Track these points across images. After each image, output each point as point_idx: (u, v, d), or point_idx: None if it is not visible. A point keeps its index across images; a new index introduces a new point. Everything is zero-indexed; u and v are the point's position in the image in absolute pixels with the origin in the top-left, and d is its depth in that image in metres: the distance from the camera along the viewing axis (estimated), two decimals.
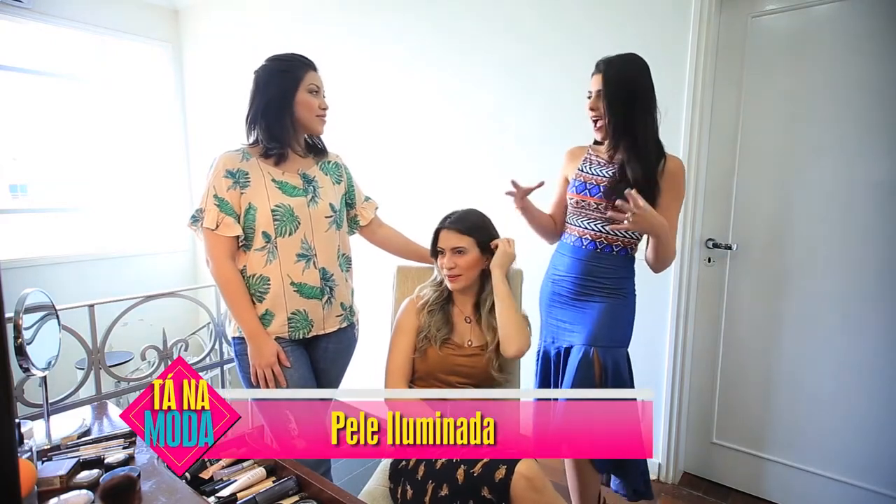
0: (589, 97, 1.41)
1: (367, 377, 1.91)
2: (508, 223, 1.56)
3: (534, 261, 1.72)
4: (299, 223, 1.34)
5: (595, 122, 1.42)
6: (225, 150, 1.35)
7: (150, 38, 3.88)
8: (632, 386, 1.46)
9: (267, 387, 1.32)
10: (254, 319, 1.32)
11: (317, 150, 1.46)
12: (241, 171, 1.32)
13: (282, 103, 1.32)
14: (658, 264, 1.42)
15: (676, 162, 1.41)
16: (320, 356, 1.44)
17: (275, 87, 1.32)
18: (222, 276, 1.31)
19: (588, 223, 1.46)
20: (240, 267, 1.34)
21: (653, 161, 1.38)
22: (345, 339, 1.49)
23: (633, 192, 1.25)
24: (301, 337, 1.38)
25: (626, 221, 1.27)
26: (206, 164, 1.36)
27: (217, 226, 1.29)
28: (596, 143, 1.53)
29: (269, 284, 1.33)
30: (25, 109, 3.49)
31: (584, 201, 1.45)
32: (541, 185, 1.48)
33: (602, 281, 1.43)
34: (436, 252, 1.41)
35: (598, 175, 1.44)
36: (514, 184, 1.49)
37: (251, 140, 1.38)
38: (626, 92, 1.36)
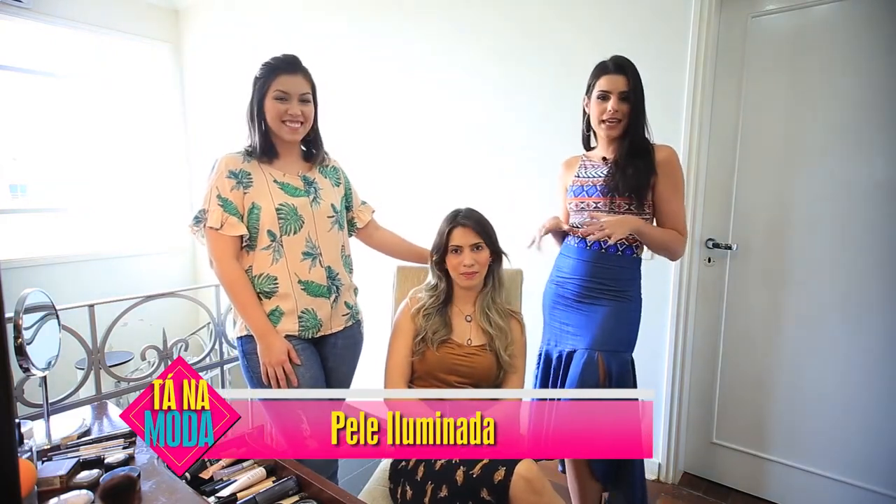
0: (605, 98, 1.39)
1: (367, 377, 1.91)
2: (507, 224, 1.57)
3: (534, 261, 1.72)
4: (303, 222, 1.35)
5: (611, 122, 1.39)
6: (226, 152, 1.35)
7: (150, 38, 3.88)
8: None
9: (278, 385, 1.31)
10: (262, 317, 1.31)
11: (315, 157, 1.44)
12: (244, 171, 1.32)
13: (254, 110, 1.34)
14: (664, 255, 1.45)
15: (666, 150, 1.42)
16: (329, 352, 1.44)
17: (253, 93, 1.34)
18: (227, 276, 1.30)
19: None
20: (245, 267, 1.34)
21: (649, 154, 1.40)
22: (352, 337, 1.49)
23: (592, 213, 1.40)
24: (311, 336, 1.38)
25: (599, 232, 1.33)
26: (207, 165, 1.37)
27: (221, 225, 1.29)
28: (587, 148, 1.54)
29: (276, 283, 1.33)
30: (25, 109, 3.49)
31: (582, 203, 1.46)
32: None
33: (607, 283, 1.43)
34: (445, 251, 1.39)
35: (595, 177, 1.45)
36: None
37: (249, 142, 1.38)
38: (643, 94, 1.40)
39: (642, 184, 1.38)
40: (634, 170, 1.38)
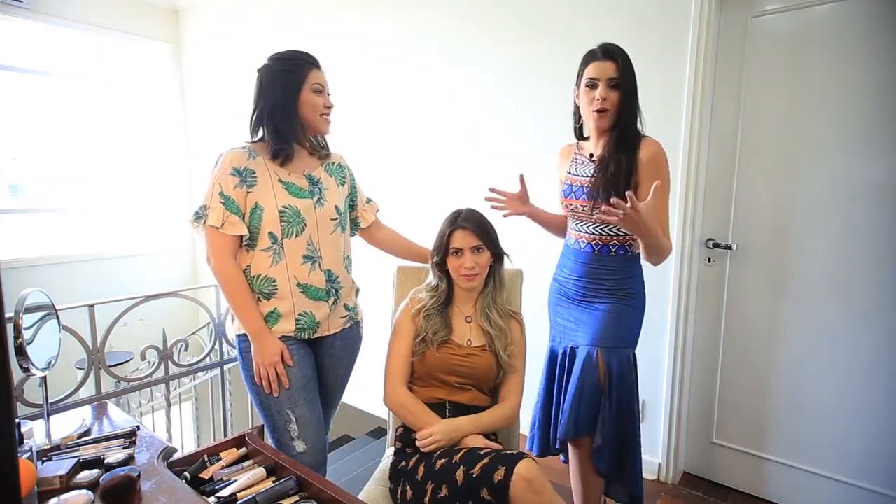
0: (593, 86, 1.34)
1: (366, 377, 1.91)
2: (508, 223, 1.57)
3: (534, 261, 1.72)
4: (305, 225, 1.33)
5: (600, 111, 1.35)
6: (230, 147, 1.33)
7: (150, 38, 3.89)
8: (636, 388, 1.45)
9: (269, 386, 1.31)
10: (257, 318, 1.31)
11: (321, 150, 1.45)
12: (248, 169, 1.30)
13: (287, 104, 1.30)
14: (651, 259, 1.37)
15: (652, 145, 1.35)
16: (326, 353, 1.44)
17: (279, 88, 1.30)
18: (224, 274, 1.29)
19: (581, 226, 1.46)
20: (243, 266, 1.33)
21: (634, 149, 1.35)
22: (350, 337, 1.48)
23: (631, 194, 1.19)
24: (307, 338, 1.38)
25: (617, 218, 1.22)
26: (207, 166, 1.35)
27: (222, 224, 1.27)
28: (581, 139, 1.52)
29: (275, 285, 1.32)
30: (25, 109, 3.49)
31: (571, 205, 1.45)
32: (521, 178, 1.46)
33: (605, 283, 1.43)
34: (446, 253, 1.38)
35: (582, 176, 1.43)
36: (494, 190, 1.46)
37: (256, 138, 1.36)
38: (634, 82, 1.35)
39: (622, 187, 1.31)
40: (616, 170, 1.34)
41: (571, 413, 1.39)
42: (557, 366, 1.52)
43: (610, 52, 1.34)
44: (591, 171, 1.40)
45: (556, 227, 1.58)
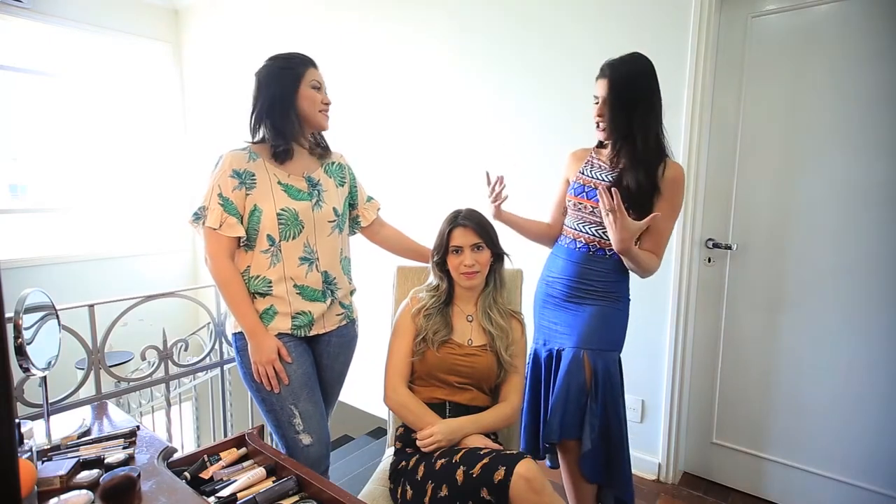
0: (596, 103, 1.40)
1: (366, 377, 1.92)
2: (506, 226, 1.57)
3: (534, 261, 1.72)
4: (303, 227, 1.34)
5: (597, 125, 1.42)
6: (231, 149, 1.34)
7: (150, 37, 3.89)
8: (622, 391, 1.46)
9: (269, 384, 1.31)
10: (253, 316, 1.31)
11: (321, 148, 1.46)
12: (248, 171, 1.31)
13: (285, 100, 1.32)
14: (637, 272, 1.42)
15: (677, 169, 1.39)
16: (323, 350, 1.45)
17: (277, 85, 1.32)
18: (222, 275, 1.31)
19: (584, 226, 1.46)
20: (242, 267, 1.34)
21: (653, 166, 1.36)
22: (347, 334, 1.49)
23: (615, 191, 1.27)
24: (303, 335, 1.38)
25: (609, 218, 1.29)
26: (207, 165, 1.35)
27: (220, 225, 1.28)
28: (599, 146, 1.52)
29: (271, 286, 1.33)
30: (25, 109, 3.49)
31: (580, 204, 1.46)
32: (500, 180, 1.49)
33: (594, 284, 1.43)
34: (446, 251, 1.39)
35: (598, 178, 1.44)
36: (489, 176, 1.49)
37: (257, 138, 1.37)
38: (629, 96, 1.35)
39: (646, 201, 1.35)
40: (637, 185, 1.35)
41: (556, 415, 1.39)
42: (542, 369, 1.52)
43: (603, 69, 1.39)
44: (610, 177, 1.41)
45: (529, 229, 1.59)
